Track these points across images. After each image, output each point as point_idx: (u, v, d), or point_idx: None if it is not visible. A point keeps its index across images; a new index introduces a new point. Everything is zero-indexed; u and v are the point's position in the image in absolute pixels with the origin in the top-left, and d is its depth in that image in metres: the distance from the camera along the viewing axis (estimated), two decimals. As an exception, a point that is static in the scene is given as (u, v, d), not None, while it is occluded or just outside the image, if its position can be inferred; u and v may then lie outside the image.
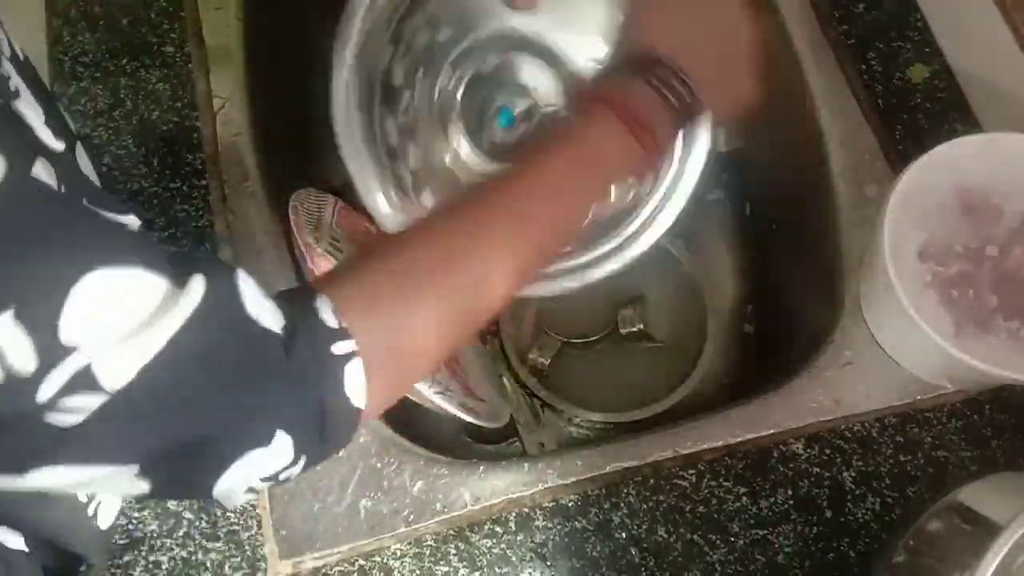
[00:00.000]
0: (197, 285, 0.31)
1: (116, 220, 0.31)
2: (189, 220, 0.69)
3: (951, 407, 0.66)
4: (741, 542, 0.61)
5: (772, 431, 0.65)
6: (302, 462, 0.35)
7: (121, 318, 0.29)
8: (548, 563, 0.60)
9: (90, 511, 0.51)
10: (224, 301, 0.32)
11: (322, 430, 0.35)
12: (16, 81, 0.41)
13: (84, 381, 0.28)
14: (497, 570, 0.60)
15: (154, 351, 0.29)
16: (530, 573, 0.60)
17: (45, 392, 0.28)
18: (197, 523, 0.60)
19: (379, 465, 0.62)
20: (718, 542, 0.61)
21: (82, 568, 0.50)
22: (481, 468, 0.62)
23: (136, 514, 0.60)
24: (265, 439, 0.33)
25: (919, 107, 0.76)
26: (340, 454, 0.62)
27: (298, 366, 0.34)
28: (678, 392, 0.75)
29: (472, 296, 0.41)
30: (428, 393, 0.63)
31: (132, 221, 0.32)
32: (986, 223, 0.67)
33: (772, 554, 0.61)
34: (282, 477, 0.35)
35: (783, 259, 0.88)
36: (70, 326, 0.28)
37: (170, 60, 0.75)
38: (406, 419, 0.66)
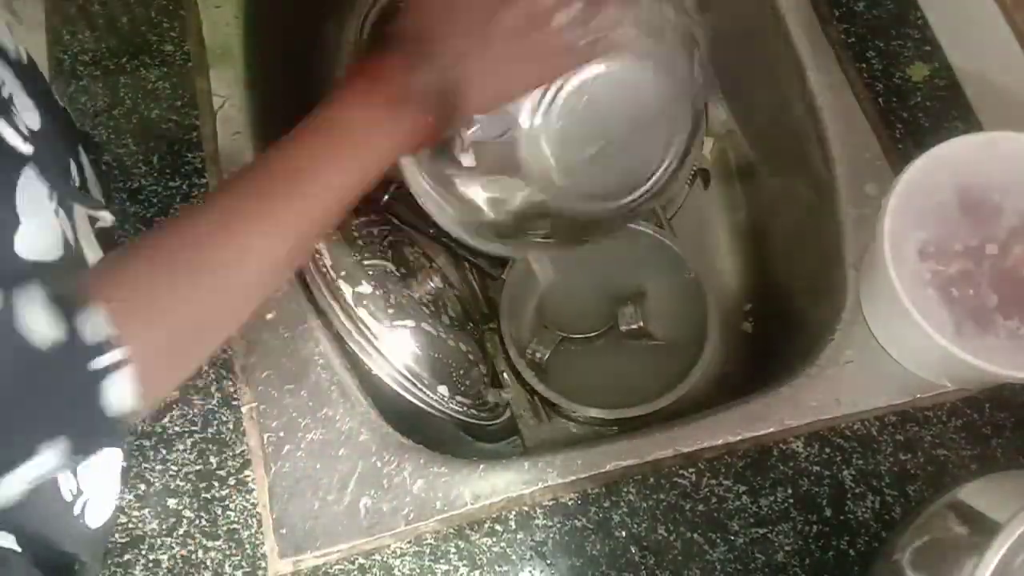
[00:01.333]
0: None
1: None
2: (189, 219, 0.69)
3: (951, 406, 0.66)
4: (741, 541, 0.62)
5: (772, 429, 0.65)
6: (78, 460, 0.37)
7: None
8: (548, 561, 0.60)
9: (76, 510, 0.50)
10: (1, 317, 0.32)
11: (93, 438, 0.37)
12: (11, 86, 0.42)
13: None
14: (497, 568, 0.60)
15: None
16: (530, 571, 0.60)
17: None
18: (197, 521, 0.60)
19: (379, 464, 0.62)
20: (718, 540, 0.61)
21: (76, 567, 0.50)
22: (481, 467, 0.62)
23: (136, 512, 0.60)
24: (28, 455, 0.34)
25: (919, 106, 0.76)
26: (340, 452, 0.62)
27: (58, 384, 0.34)
28: (677, 390, 0.75)
29: (234, 272, 0.41)
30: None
31: None
32: (986, 222, 0.67)
33: (772, 553, 0.61)
34: (56, 474, 0.37)
35: (783, 258, 0.88)
36: None
37: (170, 59, 0.75)
38: (406, 418, 0.66)
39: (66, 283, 0.36)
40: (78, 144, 0.55)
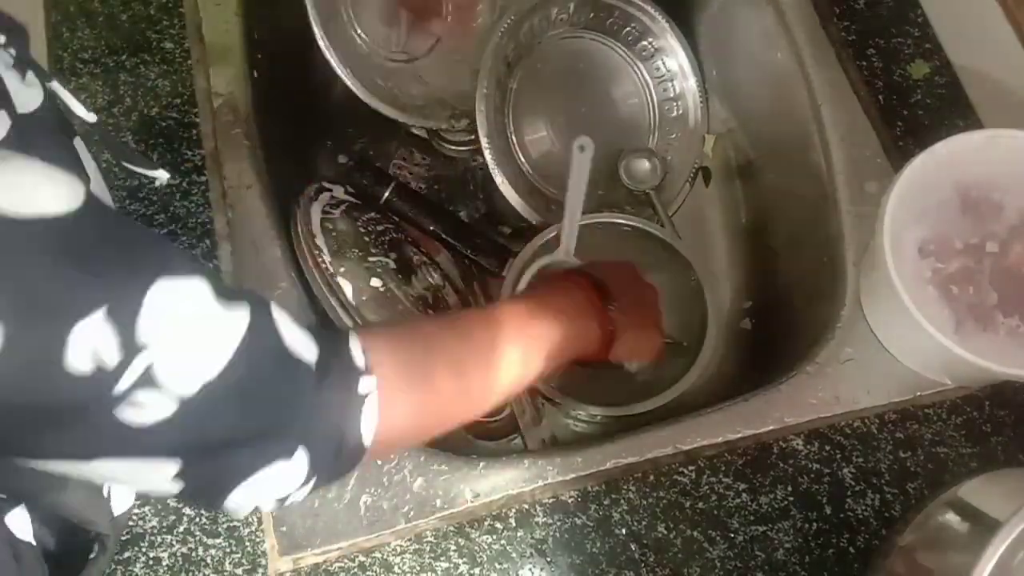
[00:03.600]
0: (243, 311, 0.35)
1: (158, 234, 0.35)
2: (189, 216, 0.69)
3: (951, 403, 0.66)
4: (741, 538, 0.62)
5: (772, 427, 0.65)
6: (312, 482, 0.40)
7: (184, 327, 0.32)
8: (548, 559, 0.61)
9: (105, 491, 0.51)
10: (266, 333, 0.36)
11: (337, 456, 0.40)
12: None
13: (148, 378, 0.31)
14: (497, 566, 0.60)
15: (216, 371, 0.33)
16: (530, 569, 0.60)
17: (122, 385, 0.31)
18: (197, 519, 0.60)
19: (379, 461, 0.62)
20: (718, 538, 0.62)
21: (92, 555, 0.50)
22: (481, 464, 0.62)
23: (136, 510, 0.60)
24: (287, 453, 0.37)
25: (919, 103, 0.76)
26: (340, 450, 0.62)
27: (327, 398, 0.38)
28: (677, 388, 0.75)
29: (465, 381, 0.49)
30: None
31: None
32: (986, 219, 0.67)
33: (772, 550, 0.61)
34: (290, 499, 0.39)
35: (783, 255, 0.88)
36: (145, 327, 0.31)
37: (169, 56, 0.75)
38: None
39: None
40: (75, 136, 0.55)
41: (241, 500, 0.37)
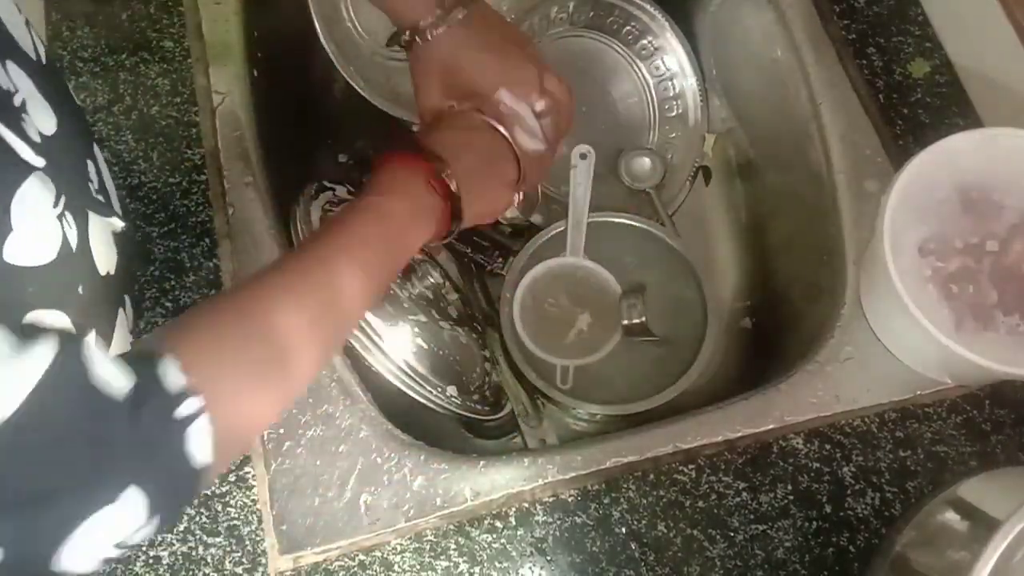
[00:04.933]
0: (45, 349, 0.32)
1: None
2: (189, 215, 0.69)
3: (951, 402, 0.66)
4: (741, 537, 0.62)
5: (772, 426, 0.65)
6: (156, 521, 0.37)
7: None
8: (548, 558, 0.61)
9: None
10: (70, 370, 0.33)
11: (176, 488, 0.37)
12: (25, 92, 0.42)
13: None
14: (497, 565, 0.60)
15: (5, 415, 0.30)
16: (530, 568, 0.60)
17: None
18: (198, 518, 0.60)
19: (379, 460, 0.62)
20: (718, 537, 0.62)
21: None
22: (481, 463, 0.63)
23: (136, 509, 0.60)
24: (111, 498, 0.34)
25: (920, 102, 0.76)
26: (340, 449, 0.62)
27: (144, 433, 0.35)
28: (677, 387, 0.75)
29: (312, 334, 0.45)
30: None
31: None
32: (986, 218, 0.66)
33: (772, 549, 0.61)
34: (135, 539, 0.36)
35: (783, 254, 0.88)
36: None
37: (169, 55, 0.75)
38: (407, 414, 0.66)
39: (140, 341, 0.36)
40: (93, 144, 0.55)
41: (77, 558, 0.34)
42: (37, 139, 0.42)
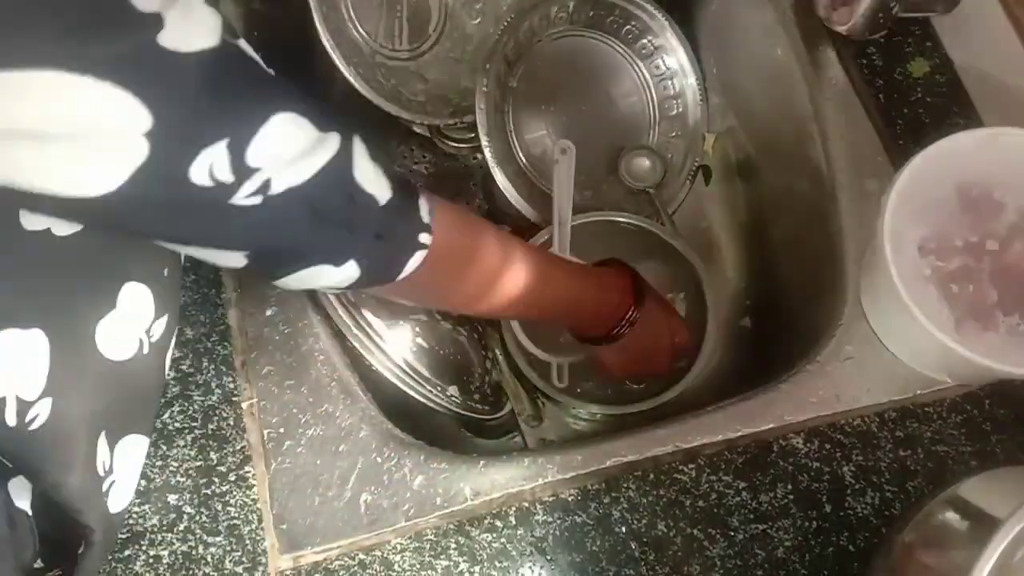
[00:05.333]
0: (333, 142, 0.42)
1: (273, 74, 0.42)
2: (189, 215, 0.69)
3: (951, 402, 0.66)
4: (741, 536, 0.62)
5: (772, 426, 0.65)
6: (364, 280, 0.47)
7: (288, 150, 0.40)
8: (548, 557, 0.61)
9: (104, 486, 0.51)
10: (343, 163, 0.42)
11: (383, 266, 0.47)
12: None
13: (263, 188, 0.39)
14: (497, 564, 0.60)
15: (302, 179, 0.40)
16: (530, 567, 0.60)
17: (240, 195, 0.38)
18: (197, 517, 0.60)
19: (379, 460, 0.62)
20: (718, 536, 0.62)
21: (80, 550, 0.50)
22: (481, 463, 0.63)
23: (136, 508, 0.60)
24: (338, 263, 0.45)
25: (920, 101, 0.76)
26: (340, 448, 0.62)
27: (389, 230, 0.46)
28: (677, 386, 0.75)
29: (498, 283, 0.56)
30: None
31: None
32: (986, 218, 0.67)
33: (772, 548, 0.61)
34: (344, 286, 0.47)
35: (783, 254, 0.88)
36: (255, 154, 0.38)
37: (169, 54, 0.75)
38: (407, 414, 0.66)
39: (400, 174, 0.47)
40: None
41: (293, 283, 0.45)
42: None
